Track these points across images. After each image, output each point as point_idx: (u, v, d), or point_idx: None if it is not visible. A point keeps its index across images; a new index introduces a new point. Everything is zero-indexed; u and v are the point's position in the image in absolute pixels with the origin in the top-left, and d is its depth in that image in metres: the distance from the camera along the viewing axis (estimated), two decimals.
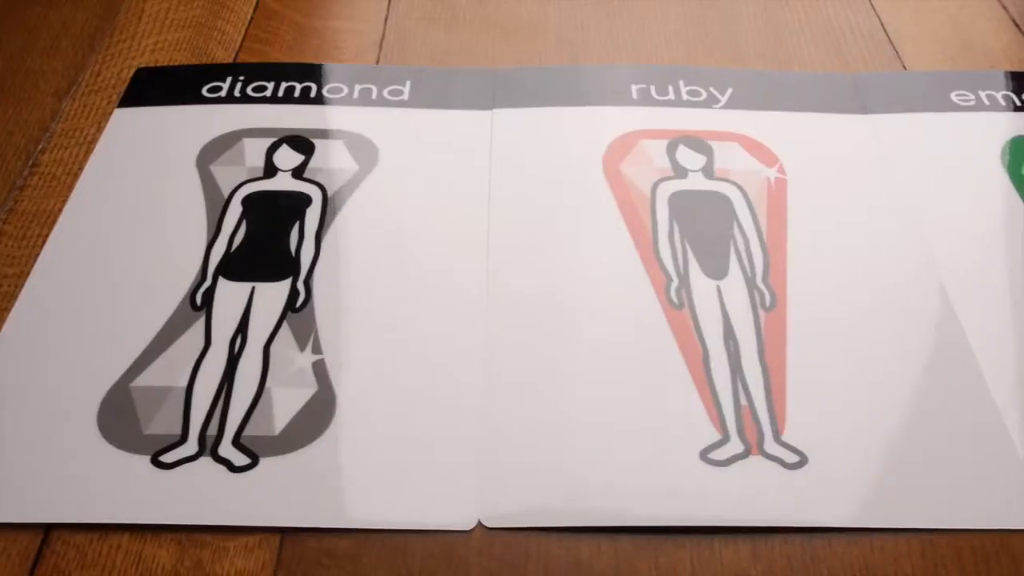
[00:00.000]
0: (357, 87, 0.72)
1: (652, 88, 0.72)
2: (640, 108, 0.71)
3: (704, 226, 0.62)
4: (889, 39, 0.79)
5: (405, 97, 0.71)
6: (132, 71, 0.74)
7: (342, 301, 0.58)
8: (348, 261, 0.60)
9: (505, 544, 0.47)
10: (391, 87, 0.72)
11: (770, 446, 0.51)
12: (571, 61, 0.75)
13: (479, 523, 0.48)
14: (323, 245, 0.61)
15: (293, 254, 0.60)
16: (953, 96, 0.73)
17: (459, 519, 0.48)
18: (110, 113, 0.70)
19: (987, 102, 0.72)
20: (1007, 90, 0.73)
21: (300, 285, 0.58)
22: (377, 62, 0.75)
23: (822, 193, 0.65)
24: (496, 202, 0.63)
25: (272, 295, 0.58)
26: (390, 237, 0.61)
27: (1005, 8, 0.82)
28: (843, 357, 0.55)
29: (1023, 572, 0.47)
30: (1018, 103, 0.72)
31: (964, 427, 0.52)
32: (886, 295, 0.58)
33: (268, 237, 0.61)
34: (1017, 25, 0.81)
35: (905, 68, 0.76)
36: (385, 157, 0.67)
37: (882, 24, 0.80)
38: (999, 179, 0.66)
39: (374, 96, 0.71)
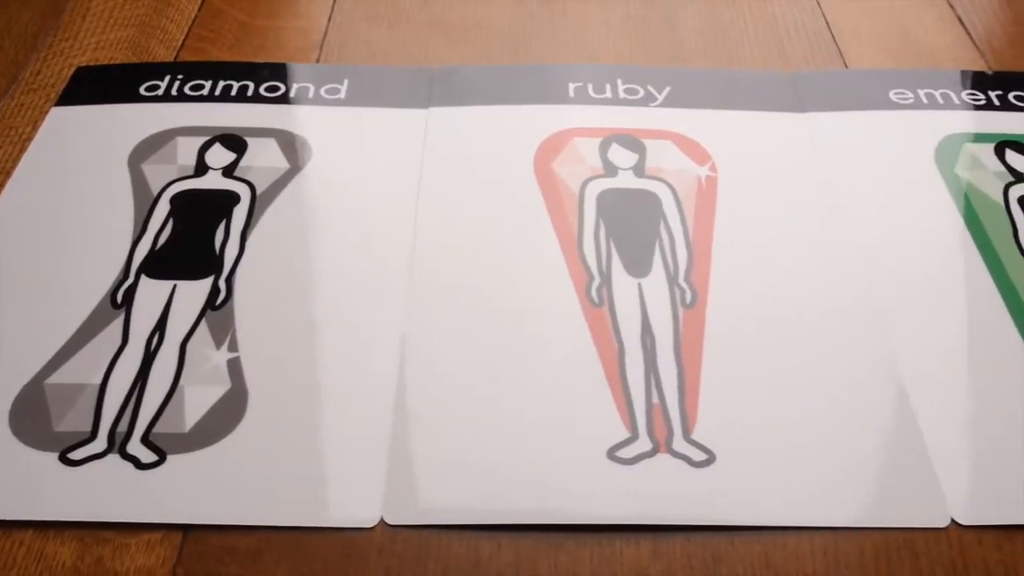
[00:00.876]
0: (294, 86, 0.72)
1: (589, 87, 0.72)
2: (576, 106, 0.70)
3: (630, 224, 0.62)
4: (833, 38, 0.78)
5: (342, 96, 0.71)
6: (72, 70, 0.74)
7: (263, 299, 0.57)
8: (272, 259, 0.60)
9: (407, 542, 0.47)
10: (328, 85, 0.72)
11: (678, 444, 0.51)
12: (512, 60, 0.75)
13: (382, 520, 0.48)
14: (248, 243, 0.61)
15: (217, 252, 0.60)
16: (891, 94, 0.73)
17: (362, 517, 0.48)
18: (47, 112, 0.70)
19: (925, 100, 0.72)
20: (946, 88, 0.73)
21: (222, 283, 0.58)
22: (318, 61, 0.75)
23: (752, 191, 0.65)
24: (424, 200, 0.63)
25: (193, 293, 0.58)
26: (315, 235, 0.61)
27: (952, 7, 0.82)
28: (759, 356, 0.55)
29: (924, 570, 0.47)
30: (957, 101, 0.72)
31: (875, 427, 0.51)
32: (807, 294, 0.58)
33: (193, 235, 0.61)
34: (963, 23, 0.80)
35: (847, 66, 0.76)
36: (317, 155, 0.66)
37: (827, 23, 0.80)
38: (931, 177, 0.66)
39: (311, 95, 0.71)
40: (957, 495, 0.49)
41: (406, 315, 0.56)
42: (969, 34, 0.80)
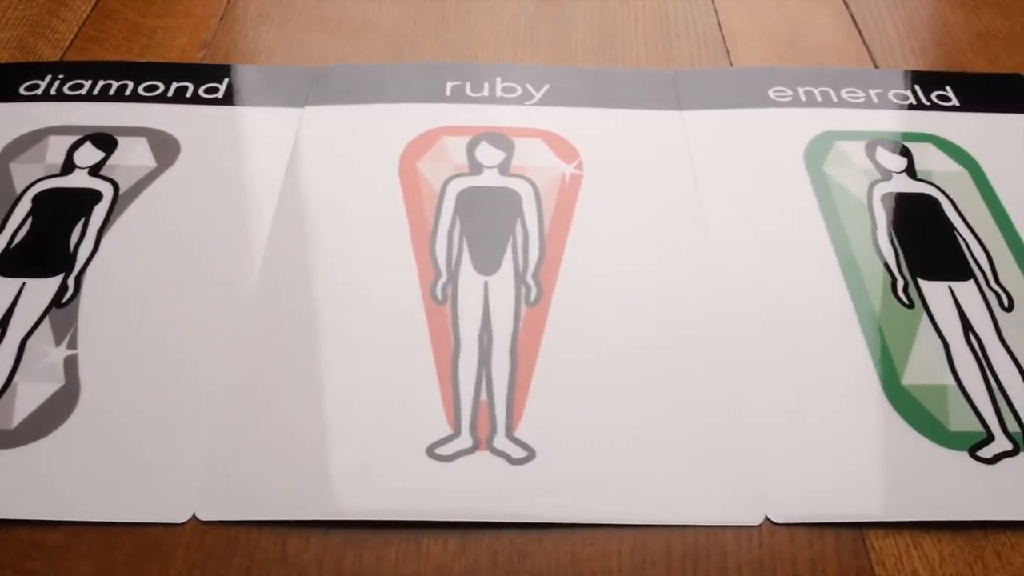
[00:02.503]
0: (174, 85, 0.72)
1: (467, 85, 0.72)
2: (451, 105, 0.70)
3: (487, 222, 0.62)
4: (722, 36, 0.78)
5: (220, 95, 0.71)
6: None
7: (110, 298, 0.58)
8: (125, 258, 0.60)
9: (216, 537, 0.47)
10: (208, 85, 0.72)
11: (500, 441, 0.50)
12: (397, 59, 0.76)
13: (194, 516, 0.48)
14: (104, 242, 0.61)
15: (71, 250, 0.60)
16: (771, 92, 0.72)
17: (173, 512, 0.47)
18: None
19: (804, 98, 0.72)
20: (827, 86, 0.73)
21: (70, 281, 0.58)
22: (203, 60, 0.75)
23: (616, 190, 0.65)
24: (286, 200, 0.63)
25: (40, 290, 0.58)
26: (171, 234, 0.61)
27: (847, 5, 0.82)
28: (595, 355, 0.54)
29: (731, 568, 0.46)
30: (835, 99, 0.72)
31: (696, 426, 0.51)
32: (653, 293, 0.58)
33: (49, 234, 0.61)
34: (855, 21, 0.80)
35: (732, 64, 0.76)
36: (186, 155, 0.66)
37: (719, 21, 0.80)
38: (798, 174, 0.66)
39: (189, 94, 0.71)
40: (772, 493, 0.49)
41: (251, 316, 0.56)
42: (860, 32, 0.79)
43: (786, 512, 0.48)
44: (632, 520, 0.48)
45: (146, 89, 0.71)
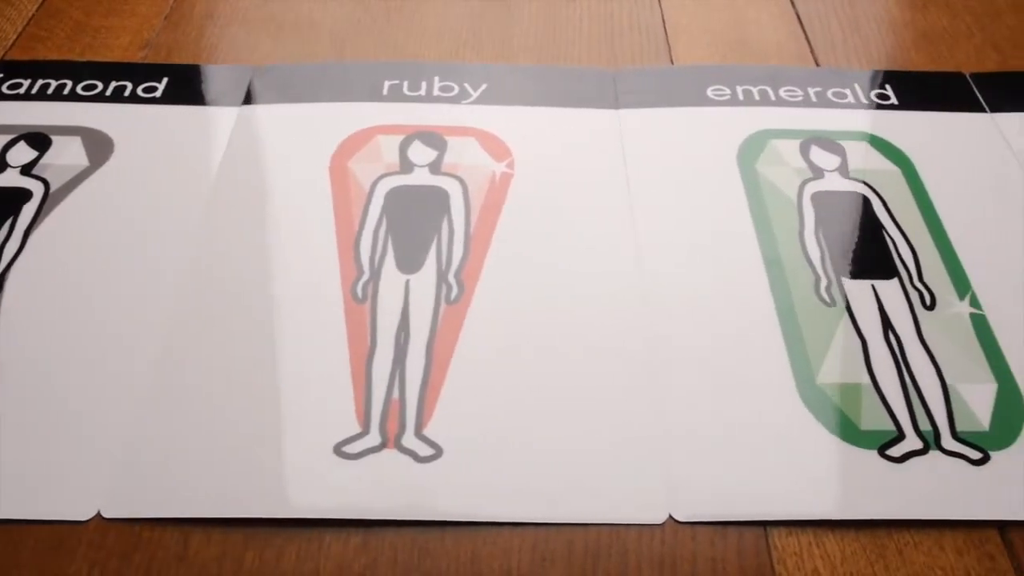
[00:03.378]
0: (112, 84, 0.72)
1: (405, 84, 0.72)
2: (386, 104, 0.70)
3: (413, 221, 0.62)
4: (666, 34, 0.78)
5: (158, 94, 0.71)
6: None
7: (33, 297, 0.57)
8: (50, 257, 0.60)
9: (120, 534, 0.47)
10: (146, 84, 0.72)
11: (408, 439, 0.50)
12: (337, 57, 0.76)
13: (98, 514, 0.48)
14: (30, 241, 0.60)
15: None
16: (709, 91, 0.72)
17: (78, 510, 0.48)
18: None
19: (742, 97, 0.72)
20: (765, 84, 0.73)
21: None
22: (144, 59, 0.75)
23: (547, 188, 0.64)
24: (217, 199, 0.63)
25: None
26: (98, 234, 0.61)
27: (793, 4, 0.82)
28: (510, 353, 0.54)
29: (631, 566, 0.46)
30: (773, 97, 0.72)
31: (604, 426, 0.51)
32: (577, 292, 0.58)
33: None
34: (800, 21, 0.80)
35: (673, 63, 0.76)
36: (120, 154, 0.66)
37: (663, 19, 0.80)
38: (730, 173, 0.66)
39: (127, 93, 0.71)
40: (678, 492, 0.49)
41: (170, 314, 0.56)
42: (804, 31, 0.79)
43: (690, 511, 0.48)
44: (534, 518, 0.47)
45: (84, 88, 0.72)
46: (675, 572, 0.46)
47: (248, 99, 0.71)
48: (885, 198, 0.64)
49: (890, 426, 0.52)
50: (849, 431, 0.51)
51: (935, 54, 0.77)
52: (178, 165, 0.66)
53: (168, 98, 0.71)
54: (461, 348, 0.55)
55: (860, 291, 0.59)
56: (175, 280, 0.58)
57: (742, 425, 0.51)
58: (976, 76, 0.75)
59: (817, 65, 0.75)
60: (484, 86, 0.72)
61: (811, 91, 0.72)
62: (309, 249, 0.60)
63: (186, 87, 0.72)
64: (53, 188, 0.64)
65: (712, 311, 0.57)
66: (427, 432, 0.51)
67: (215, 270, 0.59)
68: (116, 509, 0.48)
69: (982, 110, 0.72)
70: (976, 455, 0.51)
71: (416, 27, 0.79)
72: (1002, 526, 0.48)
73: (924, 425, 0.52)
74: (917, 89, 0.73)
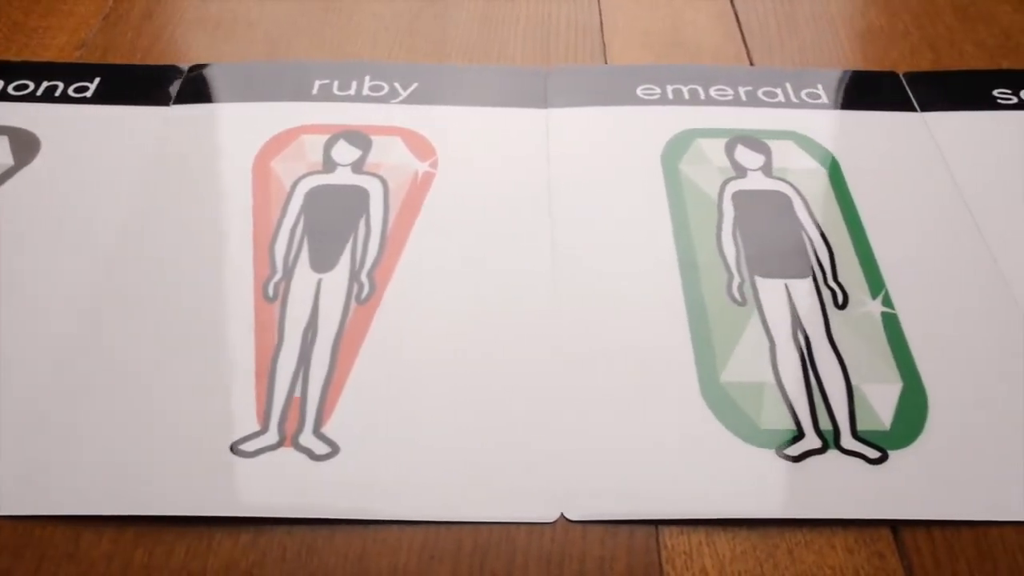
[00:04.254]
0: (44, 84, 0.72)
1: (335, 83, 0.72)
2: (315, 103, 0.70)
3: (331, 220, 0.62)
4: (602, 34, 0.78)
5: (89, 94, 0.72)
6: None
7: None
8: None
9: (12, 531, 0.47)
10: (78, 84, 0.72)
11: (305, 438, 0.50)
12: (272, 57, 0.76)
13: None
14: None
15: None
16: (639, 90, 0.72)
17: None
18: None
19: (671, 96, 0.72)
20: (696, 84, 0.72)
21: None
22: (79, 59, 0.75)
23: (468, 188, 0.64)
24: (140, 199, 0.63)
25: None
26: (16, 234, 0.61)
27: (732, 4, 0.82)
28: (416, 352, 0.54)
29: (518, 564, 0.46)
30: (703, 96, 0.72)
31: (498, 424, 0.51)
32: (489, 292, 0.58)
33: None
34: (738, 21, 0.80)
35: (606, 62, 0.76)
36: (46, 153, 0.66)
37: (601, 19, 0.80)
38: (653, 173, 0.65)
39: (58, 93, 0.71)
40: (572, 491, 0.49)
41: (83, 312, 0.56)
42: (742, 31, 0.79)
43: (582, 510, 0.48)
44: (423, 517, 0.47)
45: (16, 88, 0.72)
46: (562, 570, 0.46)
47: (178, 99, 0.71)
48: (807, 197, 0.64)
49: (791, 425, 0.52)
50: (748, 430, 0.51)
51: (871, 53, 0.77)
52: (104, 165, 0.66)
53: (99, 98, 0.71)
54: (367, 347, 0.55)
55: (772, 290, 0.58)
56: (91, 279, 0.58)
57: (642, 425, 0.51)
58: (909, 75, 0.74)
59: (751, 65, 0.76)
60: (414, 85, 0.72)
61: (742, 90, 0.72)
62: (225, 248, 0.60)
63: (117, 87, 0.72)
64: None
65: (622, 311, 0.57)
66: (325, 430, 0.51)
67: (131, 268, 0.59)
68: (7, 506, 0.48)
69: (913, 109, 0.72)
70: (875, 454, 0.51)
71: (352, 27, 0.79)
72: (896, 525, 0.48)
73: (825, 424, 0.52)
74: (849, 88, 0.73)
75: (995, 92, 0.73)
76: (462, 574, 0.46)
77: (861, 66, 0.76)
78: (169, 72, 0.73)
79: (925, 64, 0.76)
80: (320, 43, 0.77)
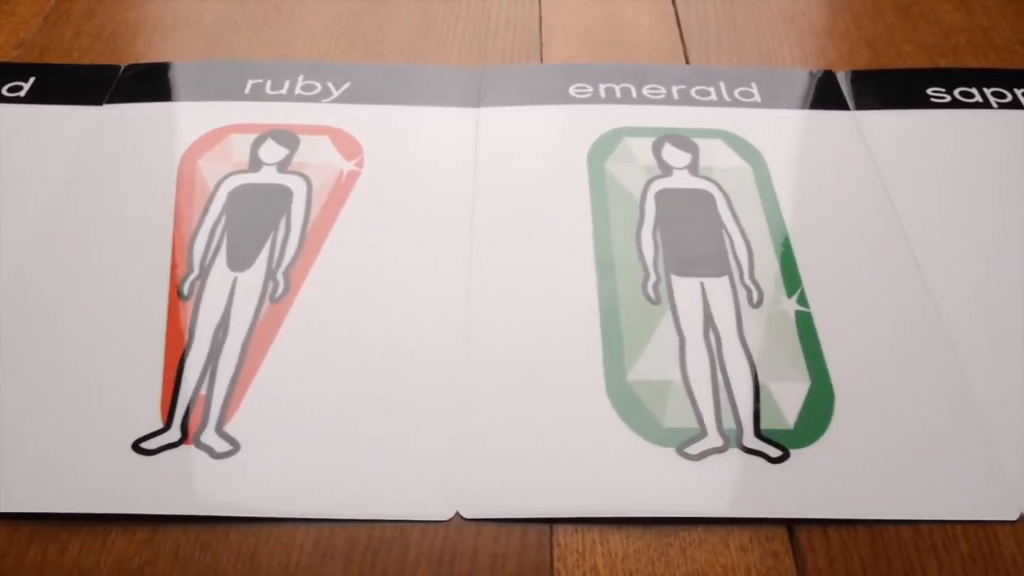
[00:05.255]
0: None
1: (268, 83, 0.72)
2: (246, 103, 0.70)
3: (252, 219, 0.62)
4: (541, 33, 0.78)
5: (23, 94, 0.71)
6: None
7: None
8: None
9: None
10: (12, 83, 0.72)
11: (207, 436, 0.50)
12: (209, 57, 0.76)
13: None
14: None
15: None
16: (572, 89, 0.72)
17: None
18: None
19: (604, 95, 0.72)
20: (629, 83, 0.72)
21: None
22: (16, 59, 0.76)
23: (393, 188, 0.64)
24: (66, 198, 0.63)
25: None
26: None
27: (674, 3, 0.82)
28: (324, 352, 0.54)
29: (410, 562, 0.46)
30: (635, 95, 0.72)
31: (408, 424, 0.51)
32: (403, 292, 0.57)
33: None
34: (678, 20, 0.80)
35: (542, 61, 0.76)
36: None
37: (541, 19, 0.80)
38: (578, 172, 0.65)
39: None
40: (469, 489, 0.49)
41: None
42: (681, 30, 0.79)
43: (478, 508, 0.48)
44: (316, 515, 0.47)
45: None
46: (453, 568, 0.46)
47: (111, 98, 0.71)
48: (730, 196, 0.64)
49: (693, 424, 0.52)
50: (650, 429, 0.51)
51: (809, 53, 0.77)
52: (30, 164, 0.66)
53: (32, 97, 0.71)
54: (277, 345, 0.55)
55: (687, 288, 0.58)
56: (10, 279, 0.58)
57: (545, 424, 0.51)
58: (845, 74, 0.74)
59: (687, 63, 0.76)
60: (347, 85, 0.72)
61: (675, 89, 0.72)
62: (144, 247, 0.60)
63: (51, 86, 0.72)
64: None
65: (536, 311, 0.57)
66: (228, 428, 0.51)
67: (45, 267, 0.59)
68: None
69: (846, 108, 0.72)
70: (776, 453, 0.50)
71: (292, 27, 0.79)
72: (792, 524, 0.48)
73: (728, 423, 0.52)
74: (783, 87, 0.73)
75: (929, 91, 0.73)
76: (353, 572, 0.46)
77: (799, 65, 0.76)
78: (105, 72, 0.74)
79: (863, 63, 0.76)
80: (258, 43, 0.77)
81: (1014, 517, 0.49)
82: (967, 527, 0.48)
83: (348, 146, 0.68)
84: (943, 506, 0.49)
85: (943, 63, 0.76)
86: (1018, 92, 0.73)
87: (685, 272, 0.59)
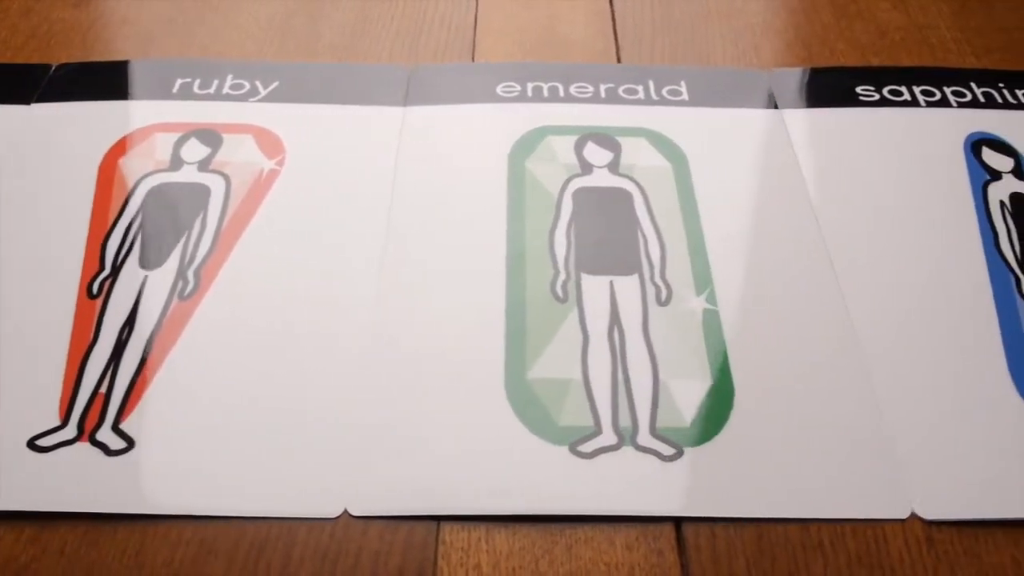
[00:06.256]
0: None
1: (196, 82, 0.72)
2: (173, 102, 0.71)
3: (168, 218, 0.62)
4: (475, 31, 0.78)
5: None
6: None
7: None
8: None
9: None
10: None
11: (103, 433, 0.50)
12: (142, 55, 0.76)
13: None
14: None
15: None
16: (499, 88, 0.72)
17: None
18: None
19: (531, 94, 0.72)
20: (557, 81, 0.72)
21: None
22: None
23: (313, 187, 0.64)
24: None
25: None
26: None
27: (611, 3, 0.82)
28: (229, 349, 0.54)
29: (294, 559, 0.46)
30: (562, 94, 0.71)
31: (298, 423, 0.51)
32: (313, 290, 0.57)
33: None
34: (614, 19, 0.80)
35: (473, 60, 0.76)
36: None
37: (476, 18, 0.80)
38: (498, 170, 0.65)
39: None
40: (359, 486, 0.48)
41: None
42: (615, 29, 0.79)
43: (366, 506, 0.48)
44: (203, 511, 0.47)
45: None
46: (336, 566, 0.46)
47: (40, 97, 0.71)
48: (649, 194, 0.64)
49: (589, 422, 0.51)
50: (545, 427, 0.51)
51: (742, 51, 0.77)
52: None
53: None
54: (181, 343, 0.55)
55: (596, 287, 0.58)
56: None
57: (443, 422, 0.51)
58: (775, 73, 0.74)
59: (619, 62, 0.76)
60: (275, 84, 0.72)
61: (603, 88, 0.72)
62: (57, 246, 0.60)
63: None
64: None
65: (442, 310, 0.57)
66: (124, 426, 0.51)
67: None
68: None
69: (774, 107, 0.71)
70: (669, 451, 0.50)
71: (226, 26, 0.79)
72: (680, 522, 0.49)
73: (625, 421, 0.52)
74: (712, 86, 0.73)
75: (858, 89, 0.73)
76: (236, 570, 0.46)
77: (732, 64, 0.76)
78: (36, 71, 0.74)
79: (796, 61, 0.76)
80: (191, 42, 0.77)
81: (904, 516, 0.49)
82: (857, 526, 0.48)
83: (271, 145, 0.68)
84: (834, 505, 0.49)
85: (876, 61, 0.76)
86: (947, 90, 0.73)
87: (595, 270, 0.59)
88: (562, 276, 0.59)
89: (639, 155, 0.67)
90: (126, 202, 0.63)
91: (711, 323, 0.57)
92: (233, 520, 0.48)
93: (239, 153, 0.67)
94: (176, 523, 0.48)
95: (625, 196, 0.64)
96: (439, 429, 0.51)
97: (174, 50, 0.77)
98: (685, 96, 0.72)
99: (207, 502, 0.48)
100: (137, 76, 0.73)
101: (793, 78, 0.74)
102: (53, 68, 0.74)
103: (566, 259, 0.60)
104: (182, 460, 0.50)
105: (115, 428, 0.51)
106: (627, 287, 0.59)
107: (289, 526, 0.48)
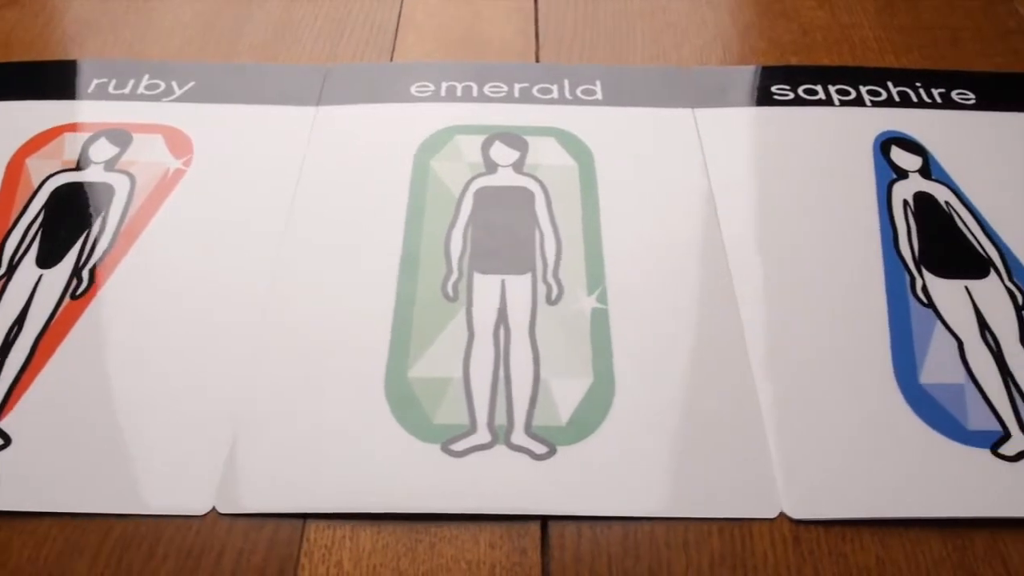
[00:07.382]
0: None
1: (112, 82, 0.73)
2: (86, 102, 0.71)
3: (69, 217, 0.62)
4: (396, 31, 0.78)
5: None
6: None
7: None
8: None
9: None
10: None
11: None
12: (64, 55, 0.76)
13: None
14: None
15: None
16: (413, 88, 0.72)
17: None
18: None
19: (444, 93, 0.72)
20: (471, 80, 0.73)
21: None
22: None
23: (216, 186, 0.64)
24: None
25: None
26: None
27: (535, 2, 0.82)
28: (117, 347, 0.55)
29: (158, 557, 0.46)
30: (476, 93, 0.72)
31: (189, 420, 0.51)
32: (208, 289, 0.58)
33: None
34: (537, 18, 0.80)
35: (392, 60, 0.76)
36: None
37: (400, 17, 0.80)
38: (403, 169, 0.66)
39: None
40: (227, 484, 0.48)
41: None
42: (537, 29, 0.79)
43: (234, 503, 0.48)
44: (71, 509, 0.48)
45: None
46: (199, 562, 0.47)
47: None
48: (551, 194, 0.64)
49: (464, 420, 0.52)
50: (420, 425, 0.51)
51: (662, 49, 0.77)
52: None
53: None
54: (69, 341, 0.55)
55: (487, 286, 0.58)
56: None
57: (319, 419, 0.52)
58: (692, 72, 0.74)
59: (537, 61, 0.76)
60: (191, 84, 0.73)
61: (517, 87, 0.72)
62: None
63: None
64: None
65: (332, 309, 0.57)
66: (3, 424, 0.51)
67: None
68: None
69: (675, 106, 0.71)
70: (541, 450, 0.51)
71: (150, 26, 0.79)
72: (546, 521, 0.49)
73: (500, 419, 0.52)
74: (626, 85, 0.73)
75: (773, 89, 0.73)
76: (99, 567, 0.47)
77: (651, 62, 0.76)
78: None
79: (715, 61, 0.76)
80: (115, 42, 0.78)
81: (773, 515, 0.49)
82: (724, 525, 0.48)
83: (180, 144, 0.68)
84: (705, 504, 0.49)
85: (795, 60, 0.76)
86: (863, 89, 0.73)
87: (487, 269, 0.59)
88: (454, 275, 0.59)
89: (546, 154, 0.67)
90: (29, 201, 0.64)
91: (599, 322, 0.57)
92: (102, 518, 0.48)
93: (147, 153, 0.67)
94: (45, 520, 0.48)
95: (526, 195, 0.64)
96: (315, 427, 0.52)
97: (96, 50, 0.77)
98: (599, 95, 0.72)
99: (77, 500, 0.48)
100: (52, 76, 0.73)
101: (709, 77, 0.74)
102: None
103: (460, 258, 0.60)
104: (56, 458, 0.50)
105: None
106: (518, 286, 0.59)
107: (157, 523, 0.48)
